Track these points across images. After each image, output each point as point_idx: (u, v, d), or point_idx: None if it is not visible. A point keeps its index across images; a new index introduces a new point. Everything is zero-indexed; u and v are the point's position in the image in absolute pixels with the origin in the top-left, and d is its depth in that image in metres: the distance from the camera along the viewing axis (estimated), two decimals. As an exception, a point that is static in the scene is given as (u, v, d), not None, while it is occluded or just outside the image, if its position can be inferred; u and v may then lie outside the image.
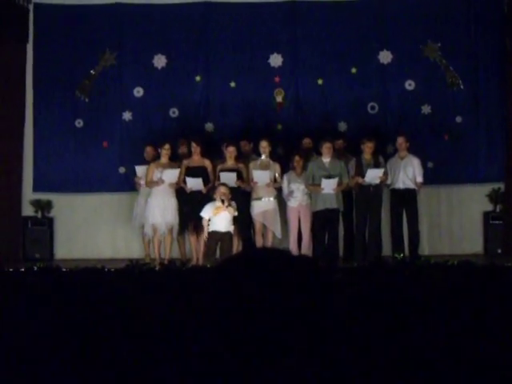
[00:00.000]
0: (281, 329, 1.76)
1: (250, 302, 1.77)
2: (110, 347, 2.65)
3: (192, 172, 11.76)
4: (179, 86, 13.30)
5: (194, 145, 11.93)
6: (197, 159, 11.92)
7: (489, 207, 12.85)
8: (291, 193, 11.66)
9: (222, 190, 11.10)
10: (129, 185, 12.82)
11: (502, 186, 12.79)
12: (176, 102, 13.33)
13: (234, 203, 11.18)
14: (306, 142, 12.28)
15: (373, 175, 11.56)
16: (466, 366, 2.34)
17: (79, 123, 13.36)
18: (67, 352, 2.65)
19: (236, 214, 11.15)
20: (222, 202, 11.02)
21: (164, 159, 11.89)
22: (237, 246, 11.60)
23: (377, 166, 11.73)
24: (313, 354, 1.77)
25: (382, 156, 12.06)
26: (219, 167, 11.73)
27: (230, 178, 11.47)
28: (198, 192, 11.67)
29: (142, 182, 12.10)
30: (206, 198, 11.54)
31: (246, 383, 1.74)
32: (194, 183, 11.66)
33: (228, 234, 11.16)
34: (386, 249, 12.09)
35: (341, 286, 3.75)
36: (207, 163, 11.89)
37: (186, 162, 11.91)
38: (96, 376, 2.46)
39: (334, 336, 1.84)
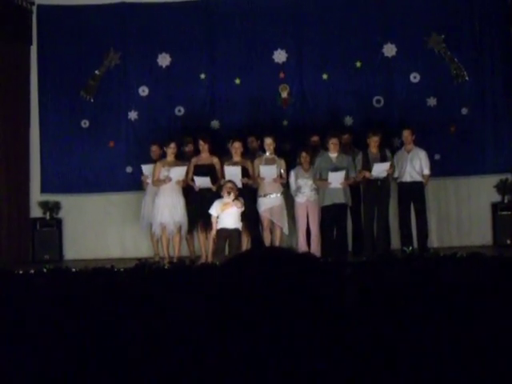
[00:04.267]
0: (290, 326, 1.76)
1: (257, 300, 1.77)
2: (121, 346, 2.65)
3: (200, 170, 11.74)
4: (184, 85, 13.32)
5: (201, 142, 11.90)
6: (205, 157, 11.90)
7: (497, 198, 12.82)
8: (299, 188, 11.66)
9: (229, 185, 11.10)
10: (136, 184, 12.83)
11: (509, 176, 12.76)
12: (181, 101, 13.35)
13: (241, 199, 11.17)
14: (314, 139, 12.25)
15: (379, 169, 11.54)
16: (477, 357, 2.34)
17: (85, 124, 13.39)
18: (78, 352, 2.66)
19: (243, 208, 11.13)
20: (229, 193, 10.99)
21: (170, 158, 11.89)
22: (246, 242, 11.61)
23: (383, 159, 11.71)
24: (322, 350, 1.77)
25: (389, 149, 12.05)
26: (225, 164, 11.72)
27: (234, 173, 11.45)
28: (207, 190, 11.66)
29: (149, 180, 12.10)
30: (214, 195, 11.52)
31: (253, 379, 1.74)
32: (202, 182, 11.65)
33: (236, 230, 11.16)
34: (395, 242, 12.09)
35: (350, 280, 3.75)
36: (215, 161, 11.86)
37: (194, 160, 11.90)
38: (107, 375, 2.47)
39: (343, 331, 1.84)
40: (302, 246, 11.59)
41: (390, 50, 13.15)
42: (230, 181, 11.23)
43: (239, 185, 11.36)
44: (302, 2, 13.28)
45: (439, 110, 13.00)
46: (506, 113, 12.96)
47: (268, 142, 11.78)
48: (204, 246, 11.76)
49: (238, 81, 13.31)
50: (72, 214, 13.31)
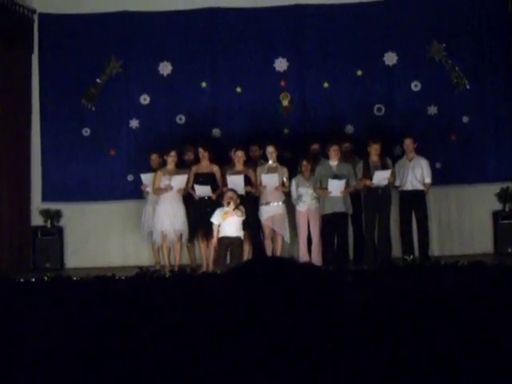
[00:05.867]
0: (291, 335, 1.76)
1: (259, 309, 1.77)
2: (122, 354, 2.65)
3: (200, 178, 11.75)
4: (185, 93, 13.33)
5: (201, 151, 11.91)
6: (205, 165, 11.90)
7: (498, 207, 12.82)
8: (300, 197, 11.66)
9: (230, 194, 11.10)
10: (137, 192, 12.83)
11: (510, 185, 12.76)
12: (182, 109, 13.36)
13: (242, 208, 11.16)
14: (315, 147, 12.26)
15: (380, 177, 11.53)
16: (477, 366, 2.34)
17: (86, 132, 13.40)
18: (79, 361, 2.66)
19: (244, 217, 11.12)
20: (228, 204, 11.00)
21: (170, 166, 11.88)
22: (247, 251, 11.60)
23: (384, 167, 11.70)
24: (324, 358, 1.77)
25: (390, 158, 12.05)
26: (228, 172, 11.73)
27: (237, 182, 11.47)
28: (207, 198, 11.67)
29: (148, 189, 12.10)
30: (215, 203, 11.53)
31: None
32: (203, 190, 11.65)
33: (238, 239, 11.15)
34: (396, 251, 12.06)
35: (351, 288, 3.74)
36: (216, 169, 11.87)
37: (194, 169, 11.90)
38: (107, 383, 2.47)
39: (344, 340, 1.84)
40: (303, 255, 11.58)
41: (390, 58, 13.17)
42: (230, 189, 11.23)
43: (242, 193, 11.37)
44: (302, 10, 13.28)
45: (440, 119, 13.01)
46: (507, 121, 12.97)
47: (270, 150, 11.79)
48: (205, 254, 11.75)
49: (239, 89, 13.32)
50: (73, 222, 13.31)
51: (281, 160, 12.04)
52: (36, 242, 13.11)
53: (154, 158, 12.36)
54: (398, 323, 2.82)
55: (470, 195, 13.01)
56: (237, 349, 1.79)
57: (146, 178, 12.23)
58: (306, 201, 11.66)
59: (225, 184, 11.62)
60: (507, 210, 12.76)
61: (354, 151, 12.35)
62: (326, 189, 11.45)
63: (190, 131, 13.16)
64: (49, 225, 13.20)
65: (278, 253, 11.62)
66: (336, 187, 11.41)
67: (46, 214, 13.19)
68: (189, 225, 11.76)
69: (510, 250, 12.47)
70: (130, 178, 13.26)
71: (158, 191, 11.74)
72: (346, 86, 13.19)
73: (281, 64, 13.29)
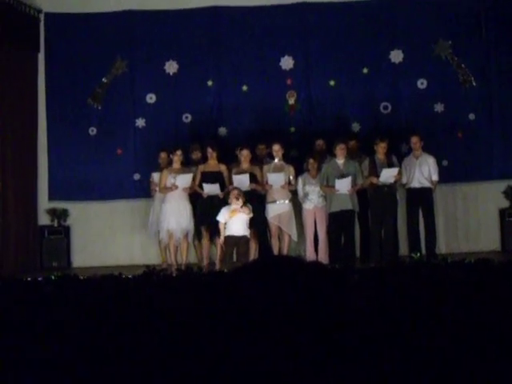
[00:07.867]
0: (297, 333, 1.76)
1: (266, 307, 1.77)
2: (129, 352, 2.65)
3: (208, 177, 11.75)
4: (191, 92, 13.33)
5: (209, 150, 11.90)
6: (213, 164, 11.90)
7: (505, 204, 12.80)
8: (306, 195, 11.65)
9: (236, 191, 11.08)
10: (144, 191, 12.85)
11: (517, 182, 12.76)
12: (189, 108, 13.36)
13: (249, 205, 11.15)
14: (319, 143, 12.28)
15: (387, 175, 11.52)
16: (484, 363, 2.33)
17: (93, 131, 13.40)
18: (87, 359, 2.66)
19: (251, 215, 11.10)
20: (237, 199, 10.96)
21: (176, 165, 11.90)
22: (254, 249, 11.59)
23: (390, 165, 11.69)
24: (329, 356, 1.77)
25: (397, 155, 12.04)
26: (234, 171, 11.73)
27: (243, 181, 11.47)
28: (214, 196, 11.67)
29: (157, 188, 12.11)
30: (222, 202, 11.53)
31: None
32: (211, 189, 11.64)
33: (244, 237, 11.14)
34: (403, 248, 12.06)
35: (358, 287, 3.74)
36: (223, 168, 11.87)
37: (201, 167, 11.91)
38: (114, 381, 2.47)
39: (351, 338, 1.84)
40: (309, 253, 11.58)
41: (396, 56, 13.15)
42: (236, 187, 11.23)
43: (247, 189, 11.37)
44: (308, 8, 13.27)
45: (446, 116, 12.99)
46: (513, 118, 12.96)
47: (276, 148, 11.78)
48: (207, 251, 11.79)
49: (245, 88, 13.32)
50: (80, 221, 13.32)
51: (287, 158, 12.04)
52: (43, 241, 13.13)
53: (163, 156, 12.36)
54: (404, 321, 2.82)
55: (476, 192, 13.00)
56: (244, 346, 1.80)
57: (156, 176, 12.27)
58: (313, 199, 11.66)
59: (231, 183, 11.63)
60: (514, 207, 12.74)
61: (360, 149, 12.35)
62: (333, 187, 11.45)
63: (196, 130, 13.17)
64: (55, 224, 13.22)
65: (285, 251, 11.61)
66: (343, 185, 11.40)
67: (52, 213, 13.21)
68: (195, 223, 11.78)
69: (516, 247, 12.46)
70: (137, 176, 13.27)
71: (164, 190, 11.76)
72: (352, 83, 13.18)
73: (287, 62, 13.28)
